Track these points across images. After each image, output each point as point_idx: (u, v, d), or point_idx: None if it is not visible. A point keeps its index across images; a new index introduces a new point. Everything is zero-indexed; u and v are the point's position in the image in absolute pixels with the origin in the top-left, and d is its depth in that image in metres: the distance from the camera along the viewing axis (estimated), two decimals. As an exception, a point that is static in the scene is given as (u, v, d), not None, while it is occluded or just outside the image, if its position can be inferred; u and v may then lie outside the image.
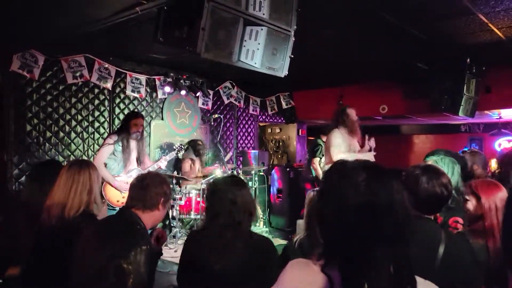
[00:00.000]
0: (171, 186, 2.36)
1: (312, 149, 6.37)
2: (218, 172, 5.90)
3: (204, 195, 2.34)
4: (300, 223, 4.00)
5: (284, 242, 6.21)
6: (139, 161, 4.86)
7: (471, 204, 2.27)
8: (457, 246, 1.85)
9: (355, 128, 4.69)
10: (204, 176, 5.93)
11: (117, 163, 4.70)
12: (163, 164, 5.05)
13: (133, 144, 4.75)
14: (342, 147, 4.56)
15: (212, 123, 6.97)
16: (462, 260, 1.83)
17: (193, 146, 6.11)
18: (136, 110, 6.06)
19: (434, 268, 1.77)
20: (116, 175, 4.67)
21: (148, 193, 2.16)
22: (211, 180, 2.13)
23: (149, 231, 2.21)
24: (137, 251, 1.85)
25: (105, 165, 4.67)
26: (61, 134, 5.28)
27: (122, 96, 5.92)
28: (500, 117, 7.69)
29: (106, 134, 5.70)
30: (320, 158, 6.02)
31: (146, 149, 5.05)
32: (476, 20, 3.82)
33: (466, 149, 5.91)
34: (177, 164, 6.38)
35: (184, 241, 2.23)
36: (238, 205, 2.06)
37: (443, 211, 2.35)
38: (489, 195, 2.22)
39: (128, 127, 4.69)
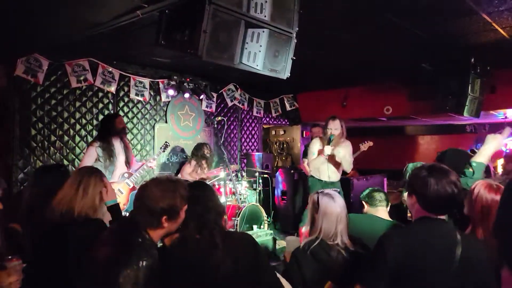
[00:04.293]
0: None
1: (304, 150, 6.65)
2: (222, 175, 5.89)
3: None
4: (289, 239, 4.05)
5: (288, 244, 6.18)
6: (127, 164, 4.67)
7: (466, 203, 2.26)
8: (473, 247, 1.84)
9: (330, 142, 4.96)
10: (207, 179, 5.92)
11: (105, 169, 4.37)
12: (153, 164, 4.90)
13: (118, 146, 4.55)
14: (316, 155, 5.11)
15: (216, 126, 6.97)
16: (479, 261, 1.82)
17: (198, 149, 6.06)
18: (139, 113, 6.09)
19: (451, 270, 1.76)
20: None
21: (145, 208, 1.87)
22: None
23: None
24: (134, 267, 1.72)
25: None
26: (66, 138, 5.31)
27: (126, 99, 5.94)
28: (506, 117, 7.63)
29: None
30: None
31: (131, 150, 4.86)
32: (480, 20, 3.78)
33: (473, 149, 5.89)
34: (180, 167, 6.37)
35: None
36: (205, 206, 2.01)
37: None
38: (476, 196, 2.22)
39: (113, 127, 4.50)
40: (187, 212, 1.96)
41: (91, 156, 4.37)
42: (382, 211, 3.12)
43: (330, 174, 5.15)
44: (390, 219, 3.13)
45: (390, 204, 3.24)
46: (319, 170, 5.18)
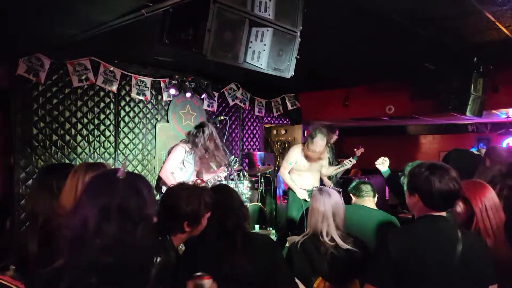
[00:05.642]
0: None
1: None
2: (223, 174, 5.87)
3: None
4: (291, 239, 4.10)
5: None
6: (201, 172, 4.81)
7: (459, 207, 2.19)
8: (474, 245, 1.86)
9: (312, 157, 4.98)
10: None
11: (183, 172, 4.60)
12: (223, 175, 4.98)
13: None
14: (294, 164, 5.08)
15: (218, 125, 6.95)
16: (480, 258, 1.83)
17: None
18: (141, 112, 6.08)
19: (452, 267, 1.78)
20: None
21: (169, 211, 1.89)
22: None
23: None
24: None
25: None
26: (67, 137, 5.29)
27: (127, 99, 5.92)
28: (508, 117, 7.62)
29: (112, 137, 5.72)
30: None
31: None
32: (483, 19, 3.77)
33: (473, 149, 5.90)
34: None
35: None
36: (225, 212, 2.00)
37: None
38: (477, 195, 2.18)
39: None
40: (209, 218, 1.97)
41: (179, 156, 4.58)
42: (368, 201, 3.26)
43: (314, 183, 5.12)
44: (376, 208, 3.28)
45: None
46: (301, 182, 5.12)
